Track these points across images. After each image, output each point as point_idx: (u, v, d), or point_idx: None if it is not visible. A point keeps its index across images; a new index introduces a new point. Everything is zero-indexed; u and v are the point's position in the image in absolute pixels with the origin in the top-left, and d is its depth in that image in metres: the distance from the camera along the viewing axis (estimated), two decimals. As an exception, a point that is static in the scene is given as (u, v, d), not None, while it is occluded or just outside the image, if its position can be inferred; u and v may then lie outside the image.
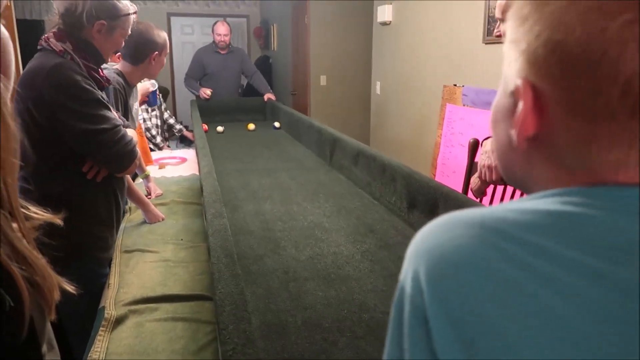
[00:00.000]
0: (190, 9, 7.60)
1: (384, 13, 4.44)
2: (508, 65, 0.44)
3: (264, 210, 1.78)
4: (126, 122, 1.61)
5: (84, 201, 1.44)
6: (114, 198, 1.55)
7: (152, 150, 3.73)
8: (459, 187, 1.52)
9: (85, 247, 1.46)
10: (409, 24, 4.12)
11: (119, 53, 1.88)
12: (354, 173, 2.16)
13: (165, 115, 3.84)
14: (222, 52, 4.30)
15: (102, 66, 1.88)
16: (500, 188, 1.87)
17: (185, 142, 4.43)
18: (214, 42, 4.31)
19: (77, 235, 1.42)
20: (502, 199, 1.92)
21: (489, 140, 1.80)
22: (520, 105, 0.41)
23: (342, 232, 1.58)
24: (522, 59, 0.41)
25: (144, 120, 3.57)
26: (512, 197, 1.89)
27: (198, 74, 4.35)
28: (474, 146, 2.01)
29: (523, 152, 0.44)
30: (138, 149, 1.49)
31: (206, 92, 4.16)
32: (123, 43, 1.49)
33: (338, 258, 1.39)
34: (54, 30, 1.36)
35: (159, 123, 3.92)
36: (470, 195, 1.91)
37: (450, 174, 3.49)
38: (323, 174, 2.32)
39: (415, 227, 1.58)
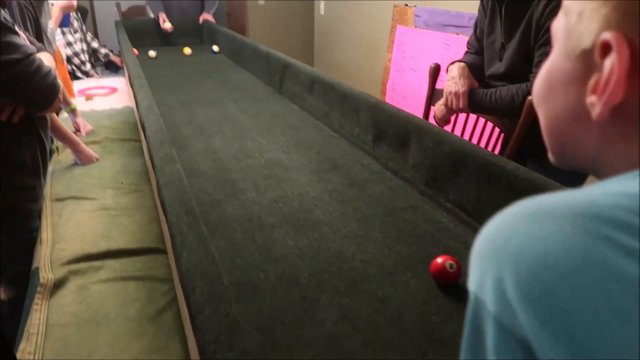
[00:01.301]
0: None
1: None
2: (578, 18, 0.35)
3: (215, 148, 1.60)
4: (38, 45, 1.33)
5: (2, 149, 1.20)
6: (38, 139, 1.31)
7: (79, 78, 3.35)
8: (414, 114, 1.41)
9: (9, 200, 1.24)
10: None
11: None
12: (308, 102, 2.00)
13: (87, 38, 3.41)
14: None
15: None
16: (462, 116, 1.80)
17: (111, 68, 3.99)
18: None
19: None
20: (464, 128, 1.85)
21: (455, 65, 1.68)
22: (608, 65, 0.33)
23: (305, 170, 1.45)
24: (609, 8, 0.33)
25: (69, 45, 3.15)
26: (475, 124, 1.82)
27: None
28: (435, 71, 1.90)
29: (601, 126, 0.35)
30: (60, 80, 1.24)
31: (166, 26, 3.65)
32: None
33: (305, 200, 1.26)
34: None
35: (85, 47, 3.49)
36: (431, 122, 1.82)
37: (400, 99, 3.39)
38: (275, 104, 2.13)
39: (382, 161, 1.48)
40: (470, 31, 1.75)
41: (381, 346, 0.78)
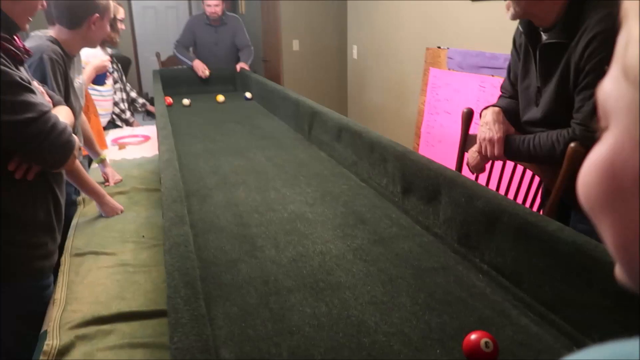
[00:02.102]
0: (150, -29, 7.07)
1: (360, -30, 4.13)
2: None
3: (237, 200, 1.55)
4: (57, 99, 1.33)
5: (16, 206, 1.18)
6: (52, 195, 1.29)
7: (119, 127, 3.44)
8: (446, 158, 1.32)
9: (18, 260, 1.21)
10: (387, -19, 3.83)
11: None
12: (336, 150, 1.94)
13: (127, 87, 3.52)
14: (214, 24, 3.87)
15: (33, 33, 1.59)
16: (498, 164, 1.69)
17: (152, 115, 4.10)
18: (204, 12, 3.88)
19: (8, 247, 1.17)
20: (500, 176, 1.73)
21: (489, 110, 1.59)
22: None
23: (329, 224, 1.37)
24: None
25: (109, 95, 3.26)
26: (512, 173, 1.71)
27: (189, 42, 3.92)
28: (468, 116, 1.80)
29: None
30: (77, 137, 1.22)
31: (205, 72, 3.72)
32: (42, 4, 1.20)
33: (326, 259, 1.18)
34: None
35: (125, 96, 3.61)
36: (465, 171, 1.71)
37: (435, 143, 3.29)
38: (302, 152, 2.08)
39: (412, 215, 1.38)
40: (505, 73, 1.67)
41: None
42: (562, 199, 1.35)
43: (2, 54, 1.07)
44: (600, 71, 1.21)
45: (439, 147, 3.25)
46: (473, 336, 0.82)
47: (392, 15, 3.80)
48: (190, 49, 4.03)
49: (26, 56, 1.18)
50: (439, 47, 3.18)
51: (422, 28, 3.42)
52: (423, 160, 1.33)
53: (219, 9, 3.81)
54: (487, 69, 2.76)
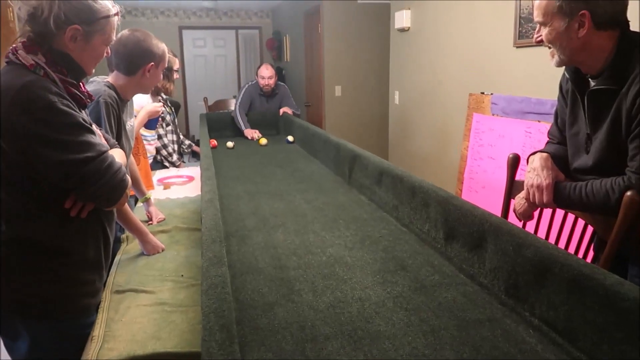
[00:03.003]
0: (202, 22, 7.47)
1: (402, 19, 4.21)
2: None
3: (275, 242, 1.54)
4: (112, 142, 1.39)
5: (68, 243, 1.22)
6: (103, 234, 1.32)
7: (166, 167, 3.55)
8: (490, 204, 1.27)
9: (67, 298, 1.23)
10: (429, 29, 3.88)
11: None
12: (377, 194, 1.92)
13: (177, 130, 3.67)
14: (267, 95, 4.12)
15: (92, 79, 1.68)
16: (547, 211, 1.61)
17: (197, 156, 4.23)
18: (258, 83, 4.09)
19: (58, 285, 1.20)
20: (550, 224, 1.65)
21: (537, 155, 1.53)
22: None
23: (368, 269, 1.33)
24: None
25: (160, 137, 3.39)
26: (563, 221, 1.62)
27: (247, 108, 4.12)
28: (514, 162, 1.75)
29: None
30: (129, 177, 1.26)
31: (254, 135, 3.84)
32: (107, 51, 1.27)
33: (365, 306, 1.14)
34: (23, 39, 1.14)
35: (175, 139, 3.74)
36: (511, 217, 1.64)
37: (479, 189, 3.21)
38: (342, 195, 2.07)
39: (455, 262, 1.33)
40: (552, 118, 1.62)
41: None
42: (618, 251, 1.27)
43: (69, 98, 1.13)
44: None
45: (482, 193, 3.17)
46: (524, 397, 0.75)
47: (435, 61, 3.83)
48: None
49: (89, 100, 1.25)
50: (483, 93, 3.16)
51: (465, 74, 3.42)
52: (467, 206, 1.29)
53: (272, 81, 4.02)
54: (533, 114, 2.71)
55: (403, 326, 1.05)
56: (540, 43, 1.36)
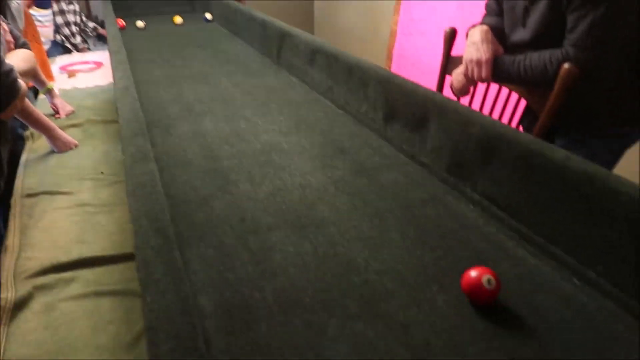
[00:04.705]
0: None
1: None
2: None
3: (204, 131, 1.42)
4: (22, 41, 1.15)
5: None
6: None
7: (68, 51, 3.15)
8: (422, 83, 1.21)
9: None
10: None
11: None
12: (309, 75, 1.80)
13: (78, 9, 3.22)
14: None
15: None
16: (481, 86, 1.59)
17: (103, 39, 3.76)
18: None
19: None
20: (483, 100, 1.65)
21: (476, 29, 1.46)
22: None
23: (306, 155, 1.27)
24: None
25: (62, 13, 2.94)
26: (496, 96, 1.62)
27: None
28: (451, 36, 1.68)
29: None
30: (23, 84, 1.05)
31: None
32: None
33: (307, 193, 1.09)
34: None
35: (78, 19, 3.28)
36: (447, 93, 1.62)
37: (408, 66, 3.16)
38: (271, 77, 1.93)
39: (395, 143, 1.30)
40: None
41: (406, 393, 0.62)
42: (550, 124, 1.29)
43: None
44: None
45: (411, 70, 3.13)
46: (473, 273, 0.76)
47: None
48: None
49: None
50: (414, -38, 2.97)
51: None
52: (409, 85, 1.22)
53: None
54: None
55: (347, 210, 1.02)
56: None
